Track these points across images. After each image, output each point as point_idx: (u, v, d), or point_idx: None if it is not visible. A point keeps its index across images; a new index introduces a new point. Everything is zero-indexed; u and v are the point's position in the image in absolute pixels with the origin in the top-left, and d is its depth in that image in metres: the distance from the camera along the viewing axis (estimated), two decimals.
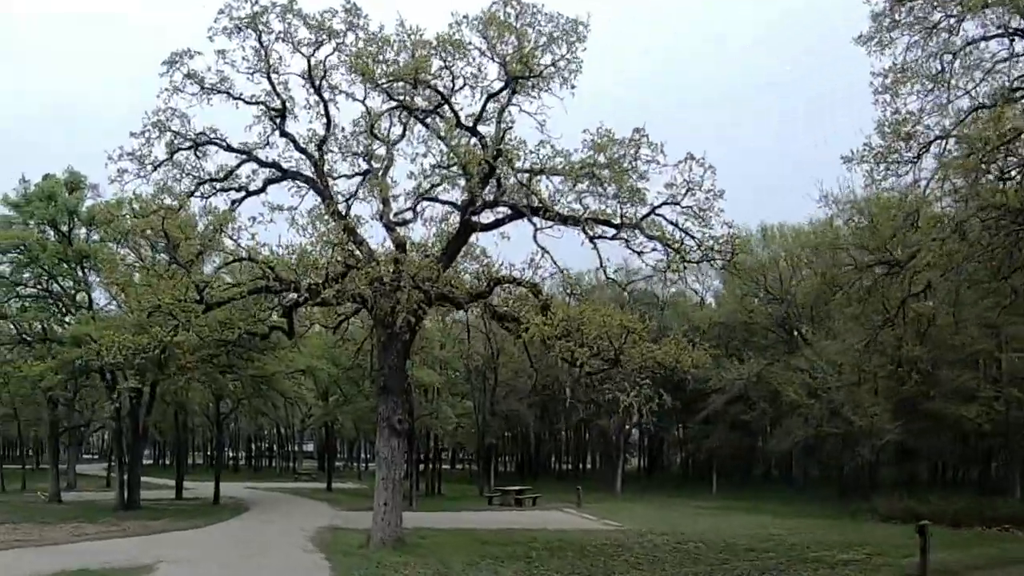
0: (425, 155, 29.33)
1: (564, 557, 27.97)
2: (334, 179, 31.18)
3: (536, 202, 26.55)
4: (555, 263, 26.63)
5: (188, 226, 29.53)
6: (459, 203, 28.30)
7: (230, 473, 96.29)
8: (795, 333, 65.11)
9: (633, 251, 27.03)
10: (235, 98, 30.47)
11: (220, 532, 35.70)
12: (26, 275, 48.35)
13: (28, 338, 48.02)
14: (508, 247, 27.75)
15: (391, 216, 29.02)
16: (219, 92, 30.24)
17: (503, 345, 69.52)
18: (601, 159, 25.83)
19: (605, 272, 27.21)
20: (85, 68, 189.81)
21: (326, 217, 27.45)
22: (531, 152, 26.72)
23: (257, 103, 30.66)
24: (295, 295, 28.34)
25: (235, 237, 27.24)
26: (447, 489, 69.70)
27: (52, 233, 48.14)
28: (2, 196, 48.26)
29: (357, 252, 28.38)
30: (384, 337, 28.21)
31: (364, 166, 31.22)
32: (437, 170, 29.05)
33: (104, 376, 47.47)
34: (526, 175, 26.86)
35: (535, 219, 26.27)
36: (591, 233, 26.62)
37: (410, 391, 37.13)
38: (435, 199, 28.81)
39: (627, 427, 72.55)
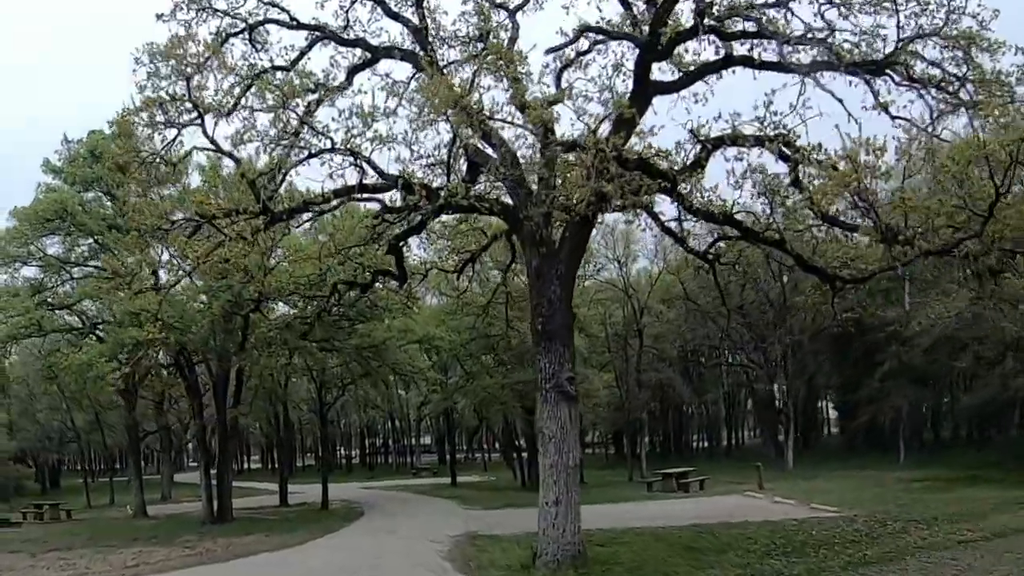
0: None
1: (827, 569, 18.56)
2: (442, 67, 21.69)
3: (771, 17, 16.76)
4: (830, 95, 16.20)
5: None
6: (638, 39, 18.32)
7: (342, 473, 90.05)
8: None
9: (911, 86, 17.00)
10: None
11: (324, 550, 26.92)
12: (79, 251, 40.37)
13: (82, 324, 39.78)
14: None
15: (525, 96, 19.29)
16: None
17: (648, 303, 60.38)
18: None
19: (887, 110, 16.92)
20: None
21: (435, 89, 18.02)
22: None
23: None
24: (399, 201, 19.20)
25: (308, 120, 18.06)
26: (586, 476, 60.31)
27: (107, 201, 39.99)
28: (43, 161, 40.35)
29: (483, 146, 19.30)
30: (538, 261, 18.77)
31: (481, 47, 21.74)
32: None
33: (179, 363, 39.54)
34: None
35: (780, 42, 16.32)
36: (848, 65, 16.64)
37: None
38: (602, 30, 18.71)
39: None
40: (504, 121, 18.37)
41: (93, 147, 38.77)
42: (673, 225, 21.30)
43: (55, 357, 36.62)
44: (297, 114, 17.89)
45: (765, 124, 15.95)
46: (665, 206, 20.65)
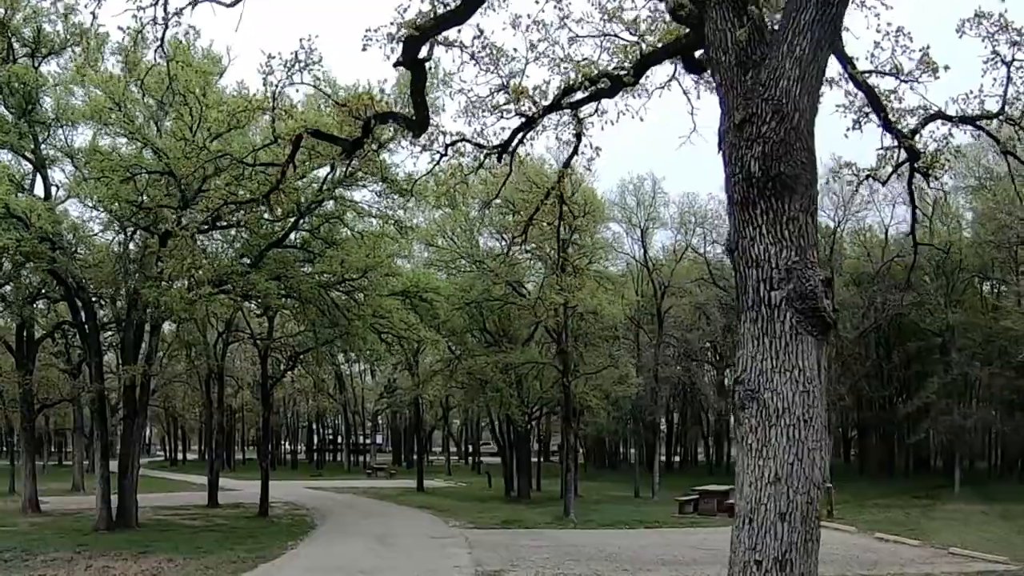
0: None
1: None
2: None
3: None
4: None
5: None
6: None
7: (287, 470, 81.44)
8: None
9: None
10: None
11: None
12: None
13: None
14: None
15: None
16: None
17: (671, 281, 50.35)
18: None
19: None
20: None
21: None
22: None
23: None
24: None
25: None
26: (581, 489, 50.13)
27: None
28: None
29: None
30: (745, 31, 8.21)
31: None
32: None
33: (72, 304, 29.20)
34: None
35: None
36: None
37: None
38: None
39: None
40: None
41: None
42: None
43: None
44: None
45: None
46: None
